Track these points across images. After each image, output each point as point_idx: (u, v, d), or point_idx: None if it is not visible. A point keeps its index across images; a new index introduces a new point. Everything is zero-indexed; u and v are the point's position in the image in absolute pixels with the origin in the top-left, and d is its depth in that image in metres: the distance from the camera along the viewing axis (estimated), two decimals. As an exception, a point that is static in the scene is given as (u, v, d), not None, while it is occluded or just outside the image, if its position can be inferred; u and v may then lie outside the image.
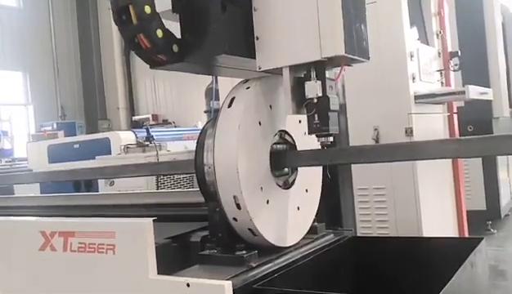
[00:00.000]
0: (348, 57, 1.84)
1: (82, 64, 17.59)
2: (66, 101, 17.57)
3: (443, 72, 4.48)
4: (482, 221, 6.15)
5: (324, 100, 1.87)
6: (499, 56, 6.38)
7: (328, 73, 1.91)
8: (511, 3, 8.07)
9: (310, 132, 1.93)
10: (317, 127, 1.89)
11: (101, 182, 6.22)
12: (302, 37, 1.85)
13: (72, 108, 17.63)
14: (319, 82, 1.86)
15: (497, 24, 6.44)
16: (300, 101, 1.90)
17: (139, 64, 16.70)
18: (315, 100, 1.86)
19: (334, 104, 1.89)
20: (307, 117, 1.91)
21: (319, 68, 1.87)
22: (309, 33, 1.82)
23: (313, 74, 1.87)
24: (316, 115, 1.88)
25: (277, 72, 1.96)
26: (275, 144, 2.08)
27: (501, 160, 6.58)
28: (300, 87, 1.89)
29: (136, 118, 16.53)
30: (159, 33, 1.85)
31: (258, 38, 1.95)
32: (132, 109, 17.66)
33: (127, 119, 17.42)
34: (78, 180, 6.24)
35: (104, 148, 7.12)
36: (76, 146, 7.93)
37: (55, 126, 14.21)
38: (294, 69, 1.91)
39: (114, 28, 15.76)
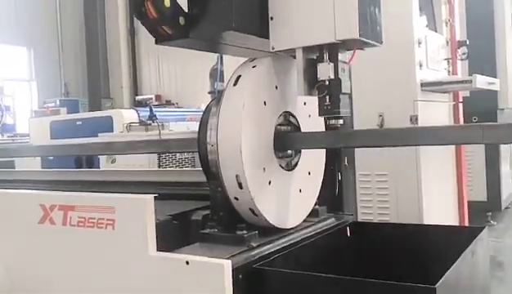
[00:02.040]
0: (361, 40, 1.83)
1: (87, 41, 17.41)
2: (70, 78, 17.51)
3: (450, 60, 4.45)
4: (482, 212, 6.15)
5: (336, 82, 1.86)
6: (507, 47, 6.33)
7: (340, 56, 1.89)
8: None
9: (320, 114, 1.92)
10: (328, 109, 1.88)
11: (102, 159, 6.22)
12: (317, 18, 1.84)
13: (75, 85, 17.56)
14: (331, 64, 1.86)
15: (507, 14, 6.38)
16: (312, 83, 1.89)
17: (144, 43, 16.71)
18: (327, 82, 1.86)
19: (345, 87, 1.89)
20: (319, 99, 1.90)
21: (332, 50, 1.87)
22: (324, 16, 1.81)
23: (326, 56, 1.86)
24: (327, 97, 1.87)
25: (290, 52, 1.95)
26: (279, 125, 2.06)
27: (504, 152, 6.56)
28: (313, 69, 1.88)
29: (139, 97, 16.47)
30: (167, 2, 1.82)
31: (272, 19, 1.94)
32: (135, 88, 17.60)
33: (130, 99, 17.36)
34: (80, 156, 6.24)
35: (106, 126, 7.10)
36: (78, 123, 7.91)
37: (58, 102, 14.14)
38: (307, 50, 1.90)
39: (121, 5, 15.62)
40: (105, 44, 17.54)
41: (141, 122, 6.45)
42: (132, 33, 17.16)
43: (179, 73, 16.31)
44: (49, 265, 1.99)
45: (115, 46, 17.45)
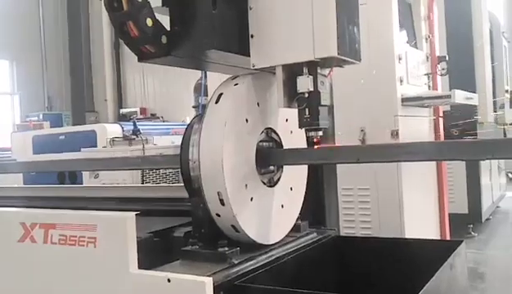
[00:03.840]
0: (340, 58, 1.86)
1: (70, 54, 17.37)
2: (53, 92, 17.36)
3: (431, 76, 4.52)
4: (463, 224, 6.23)
5: (315, 94, 1.89)
6: (486, 62, 6.45)
7: (319, 69, 1.92)
8: (499, 11, 8.16)
9: (300, 126, 1.94)
10: (308, 121, 1.90)
11: (85, 174, 6.17)
12: (296, 37, 1.87)
13: (59, 99, 17.42)
14: (311, 77, 1.88)
15: (485, 30, 6.51)
16: (292, 95, 1.91)
17: (129, 56, 16.65)
18: (306, 95, 1.88)
19: (325, 100, 1.91)
20: (298, 111, 1.92)
21: (311, 66, 1.90)
22: (303, 34, 1.84)
23: (305, 70, 1.89)
24: (306, 109, 1.90)
25: (270, 69, 1.97)
26: (261, 141, 2.08)
27: (484, 165, 6.65)
28: (292, 82, 1.91)
29: (123, 110, 16.40)
30: (149, 22, 1.84)
31: (252, 36, 1.97)
32: (120, 101, 17.51)
33: (114, 112, 17.27)
34: (63, 171, 6.19)
35: (90, 140, 7.07)
36: (62, 138, 7.86)
37: (41, 116, 14.04)
38: (287, 67, 1.92)
39: (105, 19, 15.57)
40: (89, 56, 17.44)
41: (125, 137, 6.43)
42: (116, 45, 17.12)
43: (164, 86, 16.28)
44: (30, 283, 1.97)
45: (99, 58, 17.37)
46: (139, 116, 14.91)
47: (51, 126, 11.34)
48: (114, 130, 7.26)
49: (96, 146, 6.88)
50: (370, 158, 2.06)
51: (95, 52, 17.41)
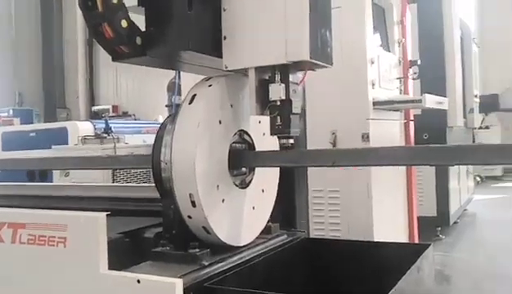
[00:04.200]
0: (312, 62, 1.89)
1: (43, 50, 17.07)
2: (24, 88, 17.00)
3: (402, 80, 4.59)
4: (432, 227, 6.34)
5: (287, 103, 1.91)
6: (456, 67, 6.58)
7: (292, 77, 1.95)
8: (469, 18, 8.34)
9: (272, 133, 1.96)
10: (279, 129, 1.93)
11: (55, 172, 6.08)
12: (269, 40, 1.89)
13: (30, 95, 17.06)
14: (283, 85, 1.90)
15: (455, 36, 6.64)
16: (264, 103, 1.93)
17: (102, 53, 16.41)
18: (278, 103, 1.90)
19: (296, 108, 1.94)
20: (270, 118, 1.94)
21: (283, 71, 1.92)
22: (276, 37, 1.87)
23: (278, 77, 1.91)
24: (278, 117, 1.92)
25: (243, 72, 1.99)
26: (234, 143, 2.09)
27: (453, 169, 6.79)
28: (265, 89, 1.93)
29: (96, 108, 16.20)
30: (124, 23, 1.84)
31: (225, 38, 1.98)
32: (92, 98, 17.29)
33: (86, 109, 17.04)
34: (33, 169, 6.09)
35: (61, 138, 6.97)
36: (32, 134, 7.73)
37: (11, 112, 13.74)
38: (259, 70, 1.94)
39: (78, 15, 15.35)
40: (62, 52, 17.17)
41: (97, 135, 6.36)
42: (90, 41, 16.89)
43: (137, 84, 16.14)
44: (-4, 283, 1.94)
45: (72, 54, 17.10)
46: (111, 114, 14.74)
47: (21, 123, 11.11)
48: (85, 128, 7.18)
49: (67, 144, 6.78)
50: (343, 162, 2.08)
51: (67, 48, 17.14)
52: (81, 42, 16.94)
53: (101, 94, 17.31)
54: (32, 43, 16.95)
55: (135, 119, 13.72)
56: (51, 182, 6.01)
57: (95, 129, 6.86)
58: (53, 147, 6.03)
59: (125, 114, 15.41)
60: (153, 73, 13.66)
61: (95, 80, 17.35)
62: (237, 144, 2.12)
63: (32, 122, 12.91)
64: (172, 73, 8.28)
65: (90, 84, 17.32)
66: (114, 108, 15.88)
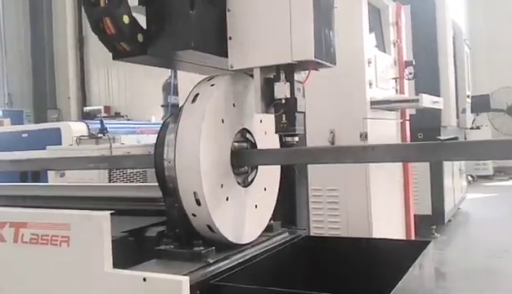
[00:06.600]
0: (316, 62, 1.91)
1: (32, 49, 16.96)
2: (14, 88, 16.89)
3: (398, 80, 4.61)
4: (427, 225, 6.37)
5: (292, 101, 1.94)
6: (449, 68, 6.62)
7: (296, 76, 1.97)
8: (460, 19, 8.39)
9: (277, 131, 1.98)
10: (284, 127, 1.95)
11: (50, 173, 6.04)
12: (274, 40, 1.91)
13: (20, 95, 16.96)
14: (288, 84, 1.93)
15: (448, 38, 6.68)
16: (269, 101, 1.96)
17: (93, 52, 16.34)
18: (283, 101, 1.93)
19: (300, 106, 1.97)
20: (275, 116, 1.96)
21: (288, 70, 1.94)
22: (281, 37, 1.89)
23: (283, 76, 1.93)
24: (283, 115, 1.94)
25: (247, 71, 2.01)
26: (236, 142, 2.09)
27: (447, 168, 6.83)
28: (269, 88, 1.95)
29: (87, 108, 16.11)
30: (126, 19, 1.83)
31: (230, 38, 2.00)
32: (83, 99, 17.21)
33: (77, 110, 16.95)
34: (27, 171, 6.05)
35: (54, 138, 6.91)
36: (24, 135, 7.66)
37: (1, 113, 13.65)
38: (264, 69, 1.96)
39: (69, 13, 15.21)
40: (52, 52, 17.07)
41: (91, 136, 6.33)
42: (80, 41, 16.80)
43: (129, 84, 16.09)
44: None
45: (63, 54, 17.01)
46: (103, 114, 14.68)
47: (11, 124, 11.01)
48: (79, 128, 7.13)
49: (60, 144, 6.72)
50: (346, 159, 2.09)
51: (58, 48, 17.04)
52: (71, 42, 16.84)
53: (93, 94, 17.23)
54: (21, 44, 16.84)
55: (127, 120, 13.67)
56: (46, 183, 5.96)
57: (89, 129, 6.82)
58: (48, 148, 5.98)
59: (117, 115, 15.35)
60: (145, 74, 13.66)
61: (86, 80, 17.26)
62: (239, 143, 2.12)
63: (22, 123, 12.82)
64: (165, 74, 8.27)
65: (81, 85, 17.23)
66: (106, 108, 15.82)
